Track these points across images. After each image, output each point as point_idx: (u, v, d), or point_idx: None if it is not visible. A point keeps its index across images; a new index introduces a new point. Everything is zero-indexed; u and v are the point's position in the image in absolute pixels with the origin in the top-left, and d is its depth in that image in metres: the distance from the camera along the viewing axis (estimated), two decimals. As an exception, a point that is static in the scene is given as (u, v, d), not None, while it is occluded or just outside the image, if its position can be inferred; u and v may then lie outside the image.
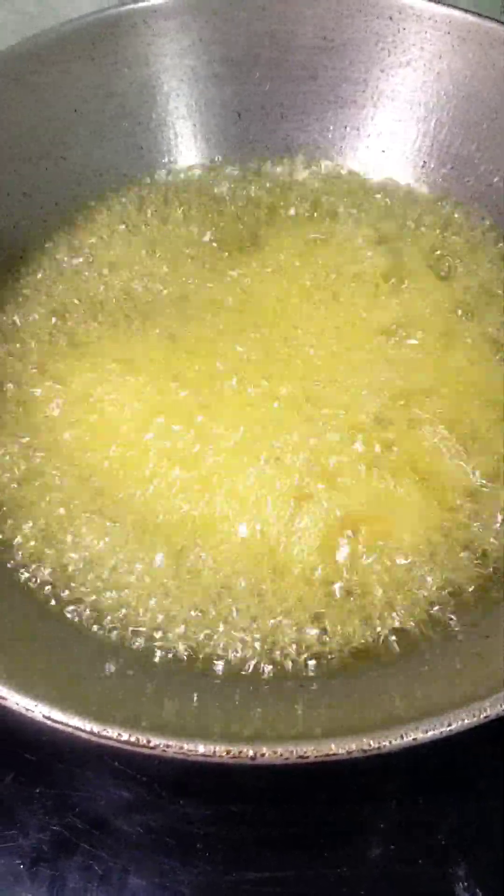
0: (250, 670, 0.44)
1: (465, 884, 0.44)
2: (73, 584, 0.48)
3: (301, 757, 0.32)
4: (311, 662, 0.45)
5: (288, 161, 0.69)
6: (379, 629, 0.46)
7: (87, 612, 0.47)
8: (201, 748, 0.32)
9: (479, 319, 0.58)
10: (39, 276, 0.62)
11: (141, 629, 0.46)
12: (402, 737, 0.32)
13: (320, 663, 0.44)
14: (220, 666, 0.45)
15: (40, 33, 0.62)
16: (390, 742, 0.32)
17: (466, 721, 0.33)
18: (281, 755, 0.32)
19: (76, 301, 0.61)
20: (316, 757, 0.32)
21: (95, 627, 0.46)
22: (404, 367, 0.56)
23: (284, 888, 0.44)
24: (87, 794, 0.47)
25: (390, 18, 0.62)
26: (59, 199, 0.64)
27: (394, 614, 0.46)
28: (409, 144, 0.66)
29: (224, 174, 0.68)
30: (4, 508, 0.51)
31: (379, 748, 0.32)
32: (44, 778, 0.48)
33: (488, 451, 0.52)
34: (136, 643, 0.46)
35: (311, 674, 0.44)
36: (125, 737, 0.33)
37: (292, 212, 0.66)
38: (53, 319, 0.60)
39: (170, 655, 0.45)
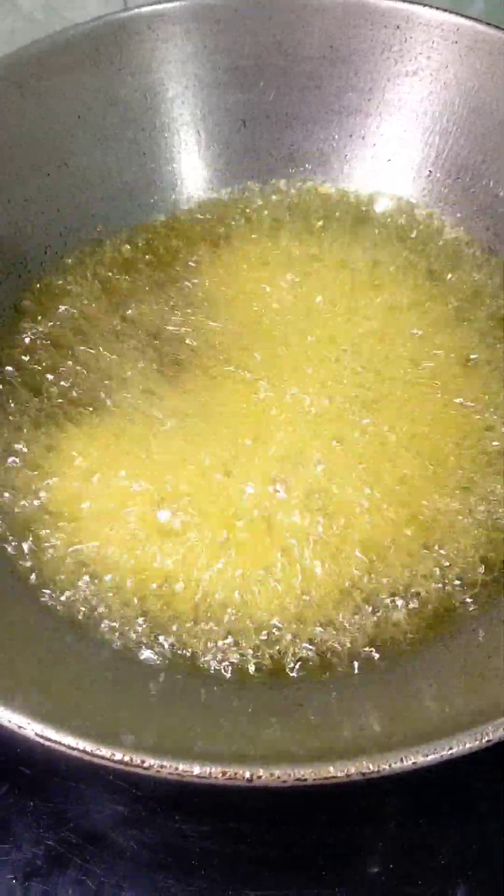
0: (249, 684, 0.44)
1: (465, 905, 0.44)
2: (71, 589, 0.48)
3: (299, 780, 0.31)
4: (308, 681, 0.44)
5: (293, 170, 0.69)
6: (380, 646, 0.45)
7: (84, 616, 0.47)
8: (196, 769, 0.32)
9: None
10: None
11: (137, 635, 0.46)
12: (402, 760, 0.32)
13: (319, 681, 0.44)
14: (218, 678, 0.44)
15: (43, 38, 0.61)
16: (390, 765, 0.32)
17: (468, 745, 0.32)
18: (278, 777, 0.32)
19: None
20: (314, 780, 0.32)
21: (93, 632, 0.46)
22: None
23: (281, 907, 0.44)
24: (81, 808, 0.47)
25: (397, 27, 0.62)
26: (61, 206, 0.63)
27: (391, 633, 0.46)
28: (414, 154, 0.65)
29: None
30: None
31: (378, 771, 0.32)
32: (38, 792, 0.47)
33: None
34: (132, 650, 0.46)
35: (309, 691, 0.43)
36: (119, 756, 0.32)
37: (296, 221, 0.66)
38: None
39: (167, 664, 0.45)
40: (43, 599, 0.47)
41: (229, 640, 0.46)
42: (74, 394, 0.56)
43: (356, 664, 0.45)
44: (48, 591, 0.48)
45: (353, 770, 0.31)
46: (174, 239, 0.66)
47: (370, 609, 0.47)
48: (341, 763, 0.32)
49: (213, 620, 0.47)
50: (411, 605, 0.47)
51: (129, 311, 0.61)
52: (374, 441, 0.53)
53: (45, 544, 0.50)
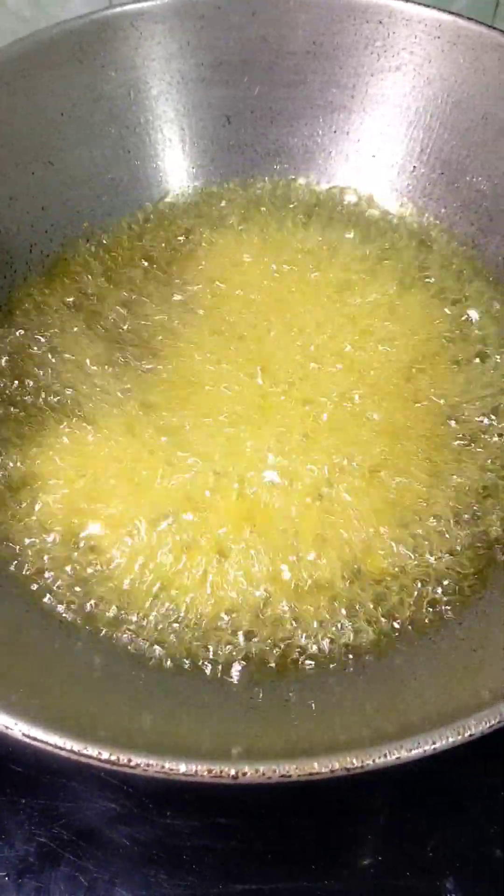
0: (235, 680, 0.44)
1: (454, 896, 0.44)
2: (60, 583, 0.48)
3: (283, 776, 0.32)
4: (293, 674, 0.44)
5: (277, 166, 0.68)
6: (365, 641, 0.46)
7: (75, 611, 0.47)
8: (182, 767, 0.32)
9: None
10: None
11: (125, 634, 0.46)
12: (385, 755, 0.32)
13: (304, 676, 0.44)
14: (204, 675, 0.45)
15: (28, 36, 0.61)
16: (374, 761, 0.32)
17: (451, 739, 0.32)
18: (263, 774, 0.32)
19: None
20: (299, 776, 0.32)
21: (80, 632, 0.46)
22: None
23: (272, 901, 0.44)
24: (73, 805, 0.47)
25: (380, 22, 0.62)
26: (47, 204, 0.63)
27: (375, 629, 0.46)
28: (398, 149, 0.65)
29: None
30: None
31: (362, 767, 0.32)
32: (29, 789, 0.47)
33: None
34: (119, 649, 0.46)
35: (294, 688, 0.43)
36: (105, 756, 0.32)
37: (281, 217, 0.66)
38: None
39: (153, 662, 0.45)
40: (29, 599, 0.47)
41: (214, 638, 0.46)
42: (59, 392, 0.56)
43: (339, 661, 0.45)
44: (34, 591, 0.48)
45: (336, 766, 0.32)
46: (159, 235, 0.66)
47: (353, 607, 0.47)
48: (325, 759, 0.32)
49: (197, 619, 0.47)
50: (393, 601, 0.47)
51: (115, 307, 0.61)
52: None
53: (33, 544, 0.50)
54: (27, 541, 0.50)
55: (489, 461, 0.52)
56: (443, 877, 0.45)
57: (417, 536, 0.49)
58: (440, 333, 0.58)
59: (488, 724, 0.33)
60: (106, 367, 0.58)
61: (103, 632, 0.46)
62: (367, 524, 0.49)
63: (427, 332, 0.59)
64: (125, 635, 0.46)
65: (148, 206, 0.67)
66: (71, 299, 0.61)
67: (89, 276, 0.63)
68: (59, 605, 0.47)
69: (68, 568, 0.49)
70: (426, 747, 0.32)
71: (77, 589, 0.48)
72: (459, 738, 0.32)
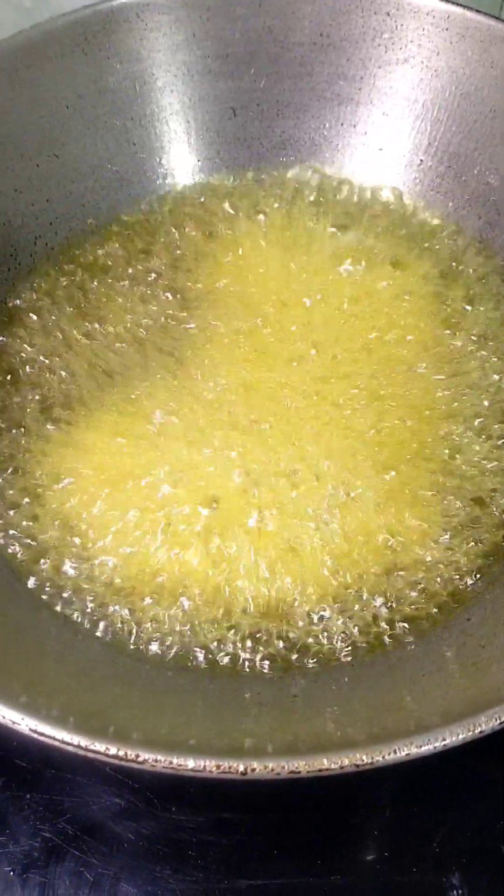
0: (243, 677, 0.44)
1: (460, 892, 0.44)
2: (68, 581, 0.48)
3: (292, 772, 0.32)
4: (302, 670, 0.44)
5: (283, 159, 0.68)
6: (373, 637, 0.45)
7: (82, 608, 0.47)
8: (191, 763, 0.32)
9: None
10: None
11: (131, 630, 0.46)
12: (395, 752, 0.32)
13: (311, 672, 0.44)
14: (211, 671, 0.45)
15: (32, 27, 0.61)
16: (384, 757, 0.32)
17: (461, 736, 0.32)
18: (272, 770, 0.32)
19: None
20: (308, 772, 0.32)
21: (87, 627, 0.46)
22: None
23: (277, 896, 0.44)
24: (78, 800, 0.47)
25: (388, 14, 0.61)
26: (52, 196, 0.63)
27: (384, 624, 0.46)
28: (405, 142, 0.65)
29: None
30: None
31: (372, 763, 0.32)
32: (34, 784, 0.47)
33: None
34: (125, 644, 0.46)
35: (302, 684, 0.43)
36: (113, 751, 0.32)
37: (287, 210, 0.66)
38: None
39: (160, 658, 0.45)
40: (37, 595, 0.47)
41: (222, 633, 0.46)
42: (62, 385, 0.56)
43: (348, 656, 0.45)
44: (43, 587, 0.48)
45: (346, 762, 0.32)
46: (165, 228, 0.65)
47: (362, 602, 0.47)
48: (335, 755, 0.32)
49: (205, 616, 0.47)
50: (403, 597, 0.47)
51: (120, 300, 0.61)
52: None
53: (39, 542, 0.50)
54: (33, 538, 0.50)
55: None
56: (449, 872, 0.45)
57: (423, 531, 0.49)
58: (447, 326, 0.58)
59: (499, 721, 0.33)
60: (110, 360, 0.57)
61: (111, 628, 0.46)
62: (374, 521, 0.49)
63: (433, 325, 0.58)
64: (132, 631, 0.46)
65: (153, 199, 0.67)
66: (75, 292, 0.61)
67: (93, 269, 0.63)
68: (65, 602, 0.47)
69: (75, 565, 0.49)
70: (436, 744, 0.32)
71: (84, 586, 0.48)
72: (470, 734, 0.32)
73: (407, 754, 0.32)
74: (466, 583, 0.47)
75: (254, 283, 0.61)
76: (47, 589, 0.48)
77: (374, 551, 0.48)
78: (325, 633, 0.46)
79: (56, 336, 0.59)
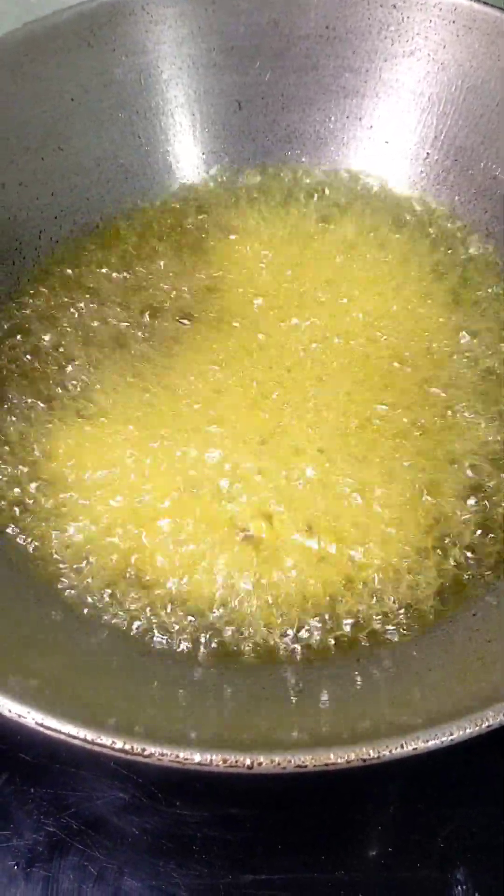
0: (249, 671, 0.44)
1: (465, 887, 0.44)
2: (74, 574, 0.48)
3: (299, 766, 0.31)
4: (308, 664, 0.44)
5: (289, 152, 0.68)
6: (379, 631, 0.45)
7: (88, 601, 0.47)
8: (197, 757, 0.32)
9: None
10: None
11: (138, 622, 0.46)
12: (402, 746, 0.32)
13: (317, 666, 0.44)
14: (218, 663, 0.45)
15: (37, 20, 0.61)
16: (391, 751, 0.32)
17: (468, 730, 0.32)
18: (278, 764, 0.32)
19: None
20: (314, 766, 0.32)
21: (93, 620, 0.46)
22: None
23: (282, 891, 0.44)
24: (82, 794, 0.47)
25: (394, 7, 0.61)
26: (56, 190, 0.62)
27: (392, 616, 0.46)
28: (411, 135, 0.64)
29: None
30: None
31: (379, 757, 0.32)
32: (38, 778, 0.47)
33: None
34: (132, 637, 0.46)
35: (308, 678, 0.43)
36: (119, 745, 0.32)
37: (293, 204, 0.65)
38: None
39: (167, 651, 0.45)
40: (43, 588, 0.47)
41: (228, 625, 0.46)
42: (66, 380, 0.56)
43: (355, 650, 0.45)
44: (48, 580, 0.48)
45: (353, 756, 0.31)
46: (169, 221, 0.65)
47: (368, 596, 0.47)
48: (341, 749, 0.32)
49: (212, 606, 0.47)
50: (407, 591, 0.47)
51: (124, 293, 0.61)
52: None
53: (46, 535, 0.50)
54: (41, 532, 0.50)
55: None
56: (453, 867, 0.45)
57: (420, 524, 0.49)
58: (452, 322, 0.58)
59: (506, 715, 0.33)
60: (115, 355, 0.57)
61: (117, 621, 0.46)
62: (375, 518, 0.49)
63: (438, 320, 0.58)
64: (139, 625, 0.46)
65: (158, 193, 0.67)
66: (80, 286, 0.61)
67: (98, 263, 0.62)
68: (73, 595, 0.47)
69: (83, 558, 0.49)
70: (444, 738, 0.32)
71: (90, 580, 0.48)
72: (477, 728, 0.32)
73: (414, 749, 0.32)
74: (471, 576, 0.47)
75: (258, 275, 0.61)
76: (53, 582, 0.48)
77: (378, 544, 0.48)
78: (332, 628, 0.46)
79: (61, 330, 0.58)
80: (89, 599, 0.47)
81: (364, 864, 0.45)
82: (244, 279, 0.61)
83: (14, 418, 0.54)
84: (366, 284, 0.60)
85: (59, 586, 0.47)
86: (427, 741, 0.32)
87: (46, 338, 0.58)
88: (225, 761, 0.32)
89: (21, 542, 0.49)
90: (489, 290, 0.60)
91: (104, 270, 0.62)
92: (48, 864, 0.45)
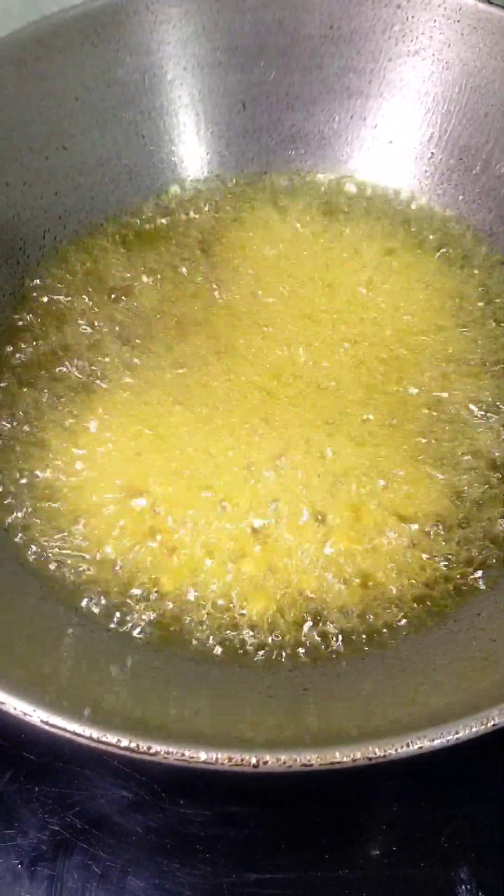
0: (255, 669, 0.44)
1: (468, 886, 0.44)
2: (80, 573, 0.48)
3: (305, 765, 0.31)
4: (313, 662, 0.44)
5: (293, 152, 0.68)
6: (384, 630, 0.45)
7: (94, 600, 0.47)
8: (203, 755, 0.32)
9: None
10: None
11: (144, 622, 0.46)
12: (408, 745, 0.32)
13: (323, 665, 0.44)
14: (223, 663, 0.45)
15: (42, 19, 0.61)
16: (396, 750, 0.32)
17: (474, 729, 0.32)
18: (284, 763, 0.32)
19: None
20: (320, 765, 0.32)
21: (99, 619, 0.46)
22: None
23: (285, 890, 0.44)
24: (86, 793, 0.47)
25: (398, 6, 0.61)
26: (60, 189, 0.62)
27: (398, 615, 0.46)
28: (416, 135, 0.64)
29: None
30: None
31: (385, 756, 0.32)
32: (43, 777, 0.47)
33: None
34: (138, 636, 0.46)
35: (313, 677, 0.43)
36: (125, 743, 0.32)
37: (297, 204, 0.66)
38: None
39: (173, 651, 0.45)
40: (48, 587, 0.47)
41: (233, 628, 0.46)
42: (70, 378, 0.56)
43: (360, 649, 0.45)
44: (55, 579, 0.48)
45: (359, 755, 0.32)
46: (173, 221, 0.65)
47: (374, 595, 0.47)
48: (347, 748, 0.32)
49: (217, 604, 0.47)
50: (413, 590, 0.47)
51: (128, 293, 0.61)
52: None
53: (55, 534, 0.50)
54: (49, 531, 0.50)
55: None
56: (457, 866, 0.44)
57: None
58: (457, 322, 0.58)
59: (511, 715, 0.33)
60: (118, 354, 0.57)
61: (123, 620, 0.46)
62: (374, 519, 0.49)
63: (443, 320, 0.58)
64: (145, 623, 0.46)
65: (162, 193, 0.67)
66: (84, 285, 0.61)
67: (102, 263, 0.63)
68: (78, 595, 0.47)
69: (91, 557, 0.49)
70: (449, 737, 0.32)
71: (98, 579, 0.48)
72: (482, 727, 0.32)
73: (420, 748, 0.32)
74: (476, 576, 0.47)
75: (260, 275, 0.61)
76: (59, 581, 0.48)
77: (386, 540, 0.48)
78: (336, 627, 0.46)
79: (64, 329, 0.58)
80: (96, 598, 0.47)
81: (367, 863, 0.45)
82: (247, 279, 0.61)
83: (16, 419, 0.54)
84: (370, 284, 0.60)
85: (66, 585, 0.47)
86: (433, 740, 0.32)
87: (50, 338, 0.58)
88: (230, 760, 0.32)
89: (27, 541, 0.49)
90: (493, 288, 0.60)
91: (108, 270, 0.62)
92: (52, 863, 0.45)
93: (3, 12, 0.77)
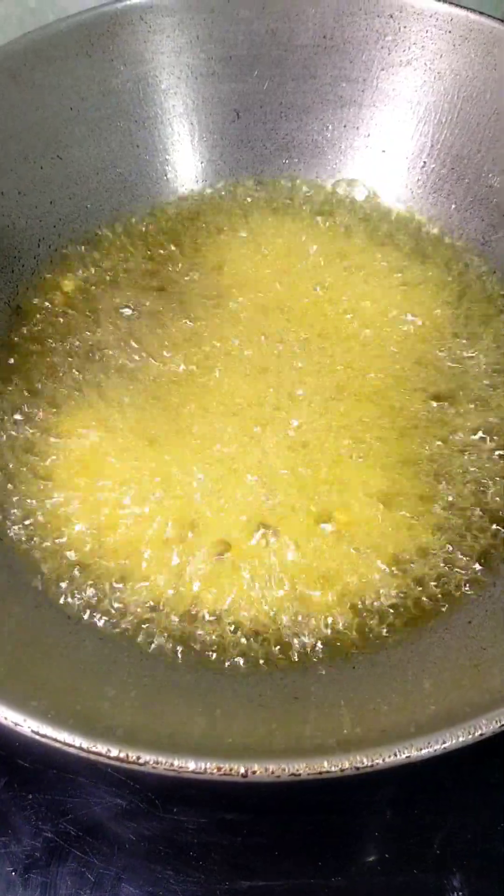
0: (243, 678, 0.44)
1: (460, 893, 0.44)
2: (72, 580, 0.48)
3: (293, 774, 0.32)
4: (302, 671, 0.44)
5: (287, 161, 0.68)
6: (375, 638, 0.46)
7: (85, 607, 0.47)
8: (192, 765, 0.32)
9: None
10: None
11: (132, 628, 0.46)
12: (395, 754, 0.32)
13: (310, 673, 0.44)
14: (213, 671, 0.45)
15: (37, 30, 0.61)
16: (384, 760, 0.32)
17: (462, 738, 0.32)
18: (273, 773, 0.32)
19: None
20: (308, 774, 0.32)
21: (88, 626, 0.46)
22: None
23: (278, 897, 0.44)
24: (80, 800, 0.47)
25: (391, 17, 0.62)
26: (55, 198, 0.63)
27: (386, 623, 0.46)
28: (409, 145, 0.65)
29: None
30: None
31: (372, 766, 0.32)
32: (36, 784, 0.47)
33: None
34: (127, 643, 0.46)
35: (302, 686, 0.43)
36: (114, 753, 0.32)
37: (291, 213, 0.66)
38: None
39: (162, 658, 0.45)
40: (39, 595, 0.47)
41: (222, 631, 0.46)
42: (64, 387, 0.56)
43: (350, 657, 0.45)
44: (47, 586, 0.48)
45: (347, 765, 0.32)
46: (168, 230, 0.65)
47: (364, 601, 0.47)
48: (335, 757, 0.32)
49: (207, 616, 0.47)
50: (401, 600, 0.47)
51: (123, 303, 0.61)
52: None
53: (45, 541, 0.50)
54: (39, 539, 0.50)
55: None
56: (449, 873, 0.45)
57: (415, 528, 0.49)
58: (447, 331, 0.58)
59: (499, 724, 0.33)
60: (111, 362, 0.57)
61: (113, 629, 0.46)
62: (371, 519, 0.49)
63: (433, 329, 0.58)
64: (136, 633, 0.46)
65: (156, 201, 0.67)
66: (78, 294, 0.61)
67: (97, 271, 0.63)
68: (70, 602, 0.47)
69: (84, 564, 0.49)
70: (436, 746, 0.32)
71: (90, 586, 0.48)
72: (470, 737, 0.32)
73: (408, 757, 0.32)
74: (467, 585, 0.47)
75: (255, 283, 0.61)
76: (51, 588, 0.48)
77: (372, 546, 0.49)
78: (325, 635, 0.46)
79: (58, 338, 0.59)
80: (88, 607, 0.47)
81: (360, 870, 0.45)
82: (241, 287, 0.61)
83: (12, 427, 0.55)
84: (361, 293, 0.60)
85: (58, 593, 0.48)
86: (421, 749, 0.32)
87: (45, 346, 0.58)
88: (219, 769, 0.32)
89: (19, 548, 0.49)
90: (484, 295, 0.60)
91: (103, 278, 0.62)
92: (46, 870, 0.45)
93: (2, 20, 0.78)
